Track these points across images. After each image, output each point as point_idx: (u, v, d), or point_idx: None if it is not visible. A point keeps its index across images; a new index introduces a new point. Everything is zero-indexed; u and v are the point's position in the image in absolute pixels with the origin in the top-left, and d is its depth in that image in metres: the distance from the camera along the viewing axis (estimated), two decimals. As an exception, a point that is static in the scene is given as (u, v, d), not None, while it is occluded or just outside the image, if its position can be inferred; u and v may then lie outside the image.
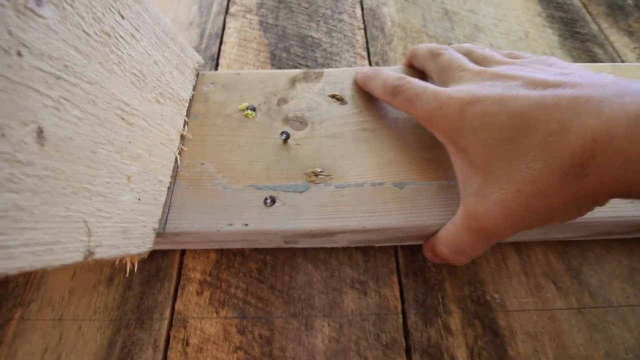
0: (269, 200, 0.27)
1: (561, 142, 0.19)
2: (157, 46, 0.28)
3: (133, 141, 0.23)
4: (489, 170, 0.21)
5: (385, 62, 0.45)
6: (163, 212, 0.27)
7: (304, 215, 0.26)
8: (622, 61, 0.45)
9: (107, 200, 0.21)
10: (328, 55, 0.46)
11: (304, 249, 0.31)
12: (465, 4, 0.52)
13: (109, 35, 0.21)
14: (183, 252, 0.31)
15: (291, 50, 0.47)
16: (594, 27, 0.49)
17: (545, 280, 0.29)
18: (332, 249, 0.31)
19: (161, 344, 0.27)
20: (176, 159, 0.29)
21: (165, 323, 0.28)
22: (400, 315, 0.28)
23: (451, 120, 0.23)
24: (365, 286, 0.29)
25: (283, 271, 0.30)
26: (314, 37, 0.48)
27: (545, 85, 0.21)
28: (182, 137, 0.31)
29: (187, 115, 0.32)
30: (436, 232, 0.27)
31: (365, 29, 0.49)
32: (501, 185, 0.20)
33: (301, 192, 0.27)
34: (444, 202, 0.27)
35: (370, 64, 0.45)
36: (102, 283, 0.30)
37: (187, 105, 0.32)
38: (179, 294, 0.29)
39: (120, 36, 0.23)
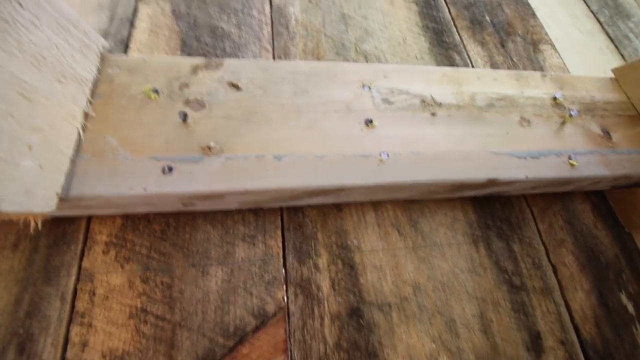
0: (167, 169, 0.32)
1: None
2: (59, 32, 0.31)
3: (34, 115, 0.27)
4: None
5: (287, 56, 0.52)
6: (66, 179, 0.30)
7: (197, 181, 0.32)
8: (473, 66, 0.58)
9: (9, 164, 0.24)
10: (236, 46, 0.51)
11: (205, 212, 0.36)
12: (360, 9, 0.61)
13: (8, 22, 0.24)
14: (90, 219, 0.35)
15: (202, 39, 0.51)
16: (457, 38, 0.61)
17: (392, 229, 0.39)
18: (229, 211, 0.37)
19: (68, 296, 0.31)
20: (79, 133, 0.33)
21: (73, 279, 0.32)
22: (281, 259, 0.35)
23: None
24: (254, 239, 0.36)
25: (184, 230, 0.35)
26: (224, 29, 0.53)
27: None
28: (86, 115, 0.34)
29: (92, 95, 0.35)
30: (305, 192, 0.34)
31: (272, 25, 0.55)
32: None
33: (196, 162, 0.33)
34: (313, 169, 0.35)
35: (274, 57, 0.51)
36: (6, 249, 0.32)
37: (90, 85, 0.35)
38: (85, 254, 0.33)
39: (20, 23, 0.26)
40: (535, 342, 0.36)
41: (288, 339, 0.31)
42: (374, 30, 0.58)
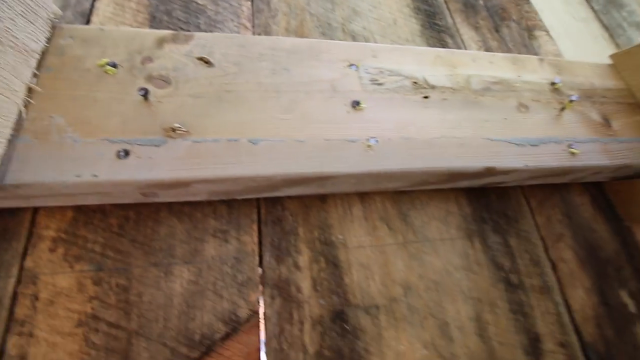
0: (122, 153, 0.28)
1: None
2: (-11, -13, 0.26)
3: (-50, 84, 0.22)
4: None
5: (268, 34, 0.47)
6: (2, 164, 0.26)
7: (158, 167, 0.28)
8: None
9: None
10: (212, 22, 0.46)
11: (170, 203, 0.32)
12: (348, -12, 0.56)
13: None
14: (36, 211, 0.30)
15: (173, 13, 0.46)
16: (450, 21, 0.58)
17: (380, 223, 0.36)
18: (198, 203, 0.33)
19: (6, 301, 0.27)
20: (20, 111, 0.28)
21: (12, 281, 0.27)
22: (257, 258, 0.32)
23: None
24: (227, 234, 0.32)
25: (146, 225, 0.31)
26: (198, 3, 0.48)
27: None
28: (30, 90, 0.29)
29: (39, 67, 0.30)
30: (284, 181, 0.30)
31: (252, 1, 0.50)
32: None
33: (157, 145, 0.29)
34: (292, 155, 0.31)
35: (253, 35, 0.47)
36: None
37: (37, 57, 0.31)
38: (29, 251, 0.28)
39: None
40: (534, 346, 0.33)
41: (262, 348, 0.28)
42: (362, 10, 0.54)
